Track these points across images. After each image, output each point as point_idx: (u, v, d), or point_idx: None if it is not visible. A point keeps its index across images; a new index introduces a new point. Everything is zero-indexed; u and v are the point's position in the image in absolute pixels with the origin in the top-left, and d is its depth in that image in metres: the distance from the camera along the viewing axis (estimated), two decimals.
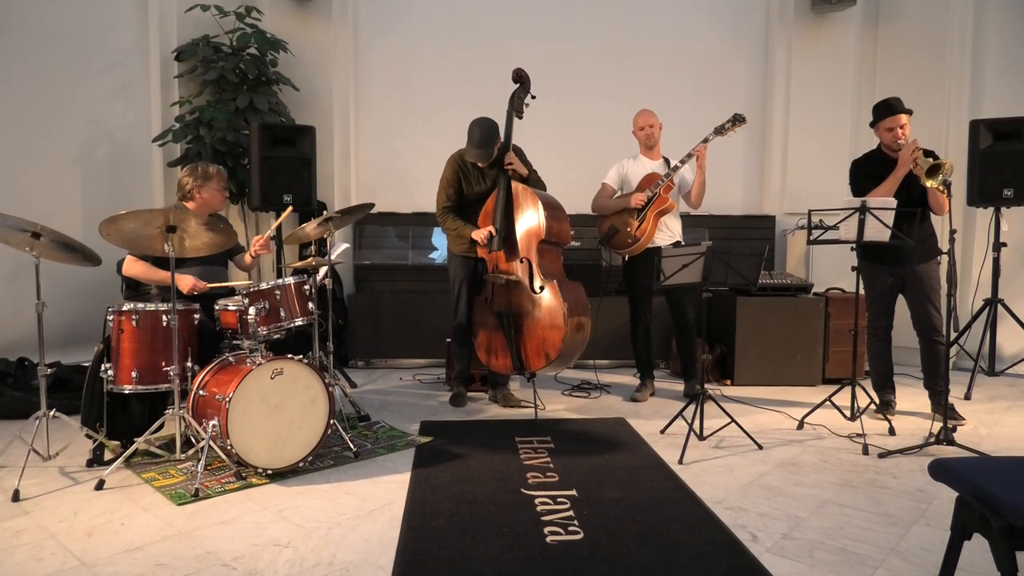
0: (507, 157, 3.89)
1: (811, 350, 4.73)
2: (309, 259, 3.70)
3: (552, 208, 3.86)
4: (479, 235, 3.89)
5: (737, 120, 4.05)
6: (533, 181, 4.01)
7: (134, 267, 3.46)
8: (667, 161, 4.32)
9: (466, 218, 4.04)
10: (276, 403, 2.95)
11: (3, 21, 4.48)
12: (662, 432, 3.63)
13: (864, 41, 5.69)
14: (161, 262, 3.28)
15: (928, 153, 3.60)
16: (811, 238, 3.67)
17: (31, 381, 4.03)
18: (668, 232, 4.29)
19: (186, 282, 3.39)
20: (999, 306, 4.80)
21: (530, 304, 3.78)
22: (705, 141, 4.09)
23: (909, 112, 3.72)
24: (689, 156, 4.11)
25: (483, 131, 3.82)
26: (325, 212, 3.62)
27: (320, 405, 3.07)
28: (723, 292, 4.84)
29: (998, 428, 3.74)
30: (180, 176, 3.61)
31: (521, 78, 4.07)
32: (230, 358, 3.12)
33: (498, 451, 3.33)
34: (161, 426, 3.07)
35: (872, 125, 3.82)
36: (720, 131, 4.08)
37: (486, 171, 4.01)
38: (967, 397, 4.37)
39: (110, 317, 3.11)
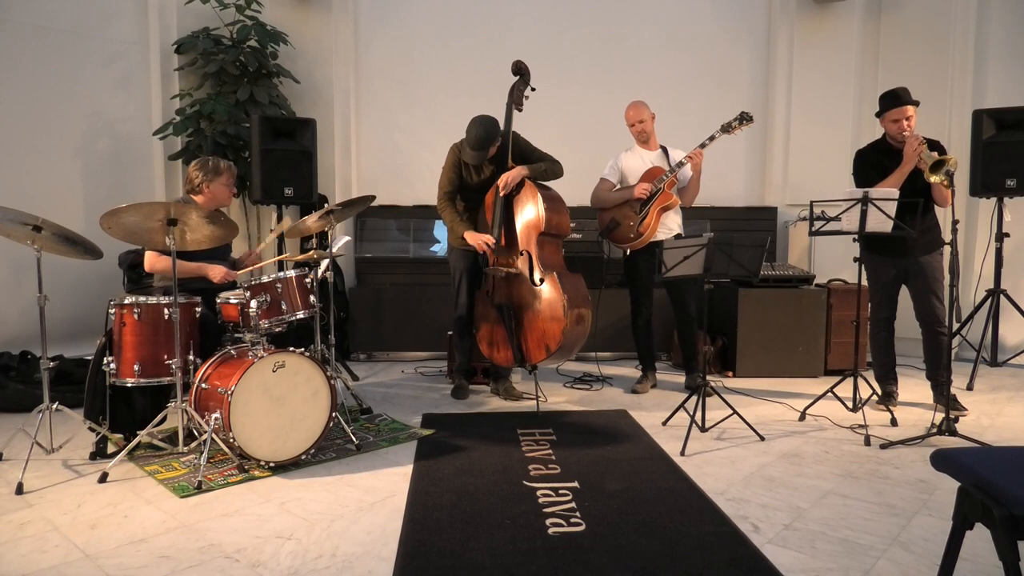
0: (503, 180, 3.84)
1: (813, 341, 4.72)
2: (310, 252, 3.71)
3: (551, 200, 3.85)
4: (472, 238, 3.89)
5: (744, 119, 4.04)
6: (540, 172, 3.93)
7: (159, 262, 3.42)
8: (665, 151, 4.29)
9: (468, 204, 4.04)
10: (278, 396, 2.95)
11: (3, 14, 4.47)
12: (664, 424, 3.63)
13: (866, 31, 5.66)
14: (181, 255, 3.24)
15: (933, 145, 3.58)
16: (813, 229, 3.66)
17: (34, 374, 4.05)
18: (668, 228, 4.25)
19: (217, 271, 3.40)
20: (1001, 297, 4.79)
21: (530, 297, 3.78)
22: (711, 139, 4.07)
23: (916, 103, 3.69)
24: (688, 159, 4.08)
25: (479, 134, 3.79)
26: (326, 205, 3.61)
27: (322, 398, 3.08)
28: (725, 284, 4.83)
29: (1000, 418, 3.74)
30: (189, 169, 3.59)
31: (520, 70, 4.05)
32: (232, 351, 3.13)
33: (500, 443, 3.33)
34: (164, 419, 3.08)
35: (878, 115, 3.80)
36: (727, 129, 4.07)
37: (485, 162, 4.00)
38: (969, 388, 4.36)
39: (112, 310, 3.11)
